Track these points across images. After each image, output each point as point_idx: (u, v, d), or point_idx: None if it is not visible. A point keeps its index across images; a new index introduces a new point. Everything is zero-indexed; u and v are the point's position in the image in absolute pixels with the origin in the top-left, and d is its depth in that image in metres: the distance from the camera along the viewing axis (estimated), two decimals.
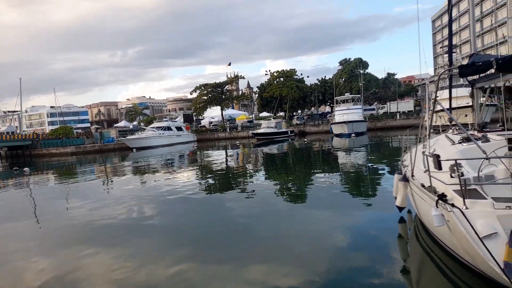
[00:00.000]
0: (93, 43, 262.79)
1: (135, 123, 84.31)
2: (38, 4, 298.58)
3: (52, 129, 66.78)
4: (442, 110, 7.65)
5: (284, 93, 62.04)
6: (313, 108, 77.32)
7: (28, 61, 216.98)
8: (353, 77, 63.71)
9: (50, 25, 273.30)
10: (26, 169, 27.54)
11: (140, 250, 7.70)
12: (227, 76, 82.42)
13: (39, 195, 17.33)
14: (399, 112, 54.06)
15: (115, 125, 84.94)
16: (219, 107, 65.44)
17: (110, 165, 31.15)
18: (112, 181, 20.24)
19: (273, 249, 7.08)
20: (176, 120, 66.27)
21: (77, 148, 51.20)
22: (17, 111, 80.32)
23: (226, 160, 27.91)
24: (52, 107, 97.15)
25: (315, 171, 18.81)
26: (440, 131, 10.77)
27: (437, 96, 6.76)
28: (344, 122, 40.77)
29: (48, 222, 11.25)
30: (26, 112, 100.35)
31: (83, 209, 12.30)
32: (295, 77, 66.60)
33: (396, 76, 71.25)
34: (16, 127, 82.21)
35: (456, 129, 8.76)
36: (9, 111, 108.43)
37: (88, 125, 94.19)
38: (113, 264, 6.93)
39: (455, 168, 4.73)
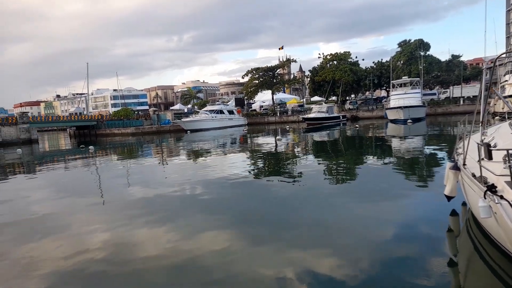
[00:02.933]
0: (150, 29, 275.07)
1: (189, 106, 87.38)
2: None
3: (114, 111, 71.51)
4: (510, 96, 7.08)
5: (337, 76, 60.27)
6: (367, 93, 74.38)
7: (93, 47, 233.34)
8: (412, 60, 60.02)
9: (111, 13, 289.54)
10: (91, 147, 30.00)
11: (190, 224, 8.27)
12: (279, 59, 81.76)
13: (102, 172, 18.88)
14: (463, 97, 50.02)
15: (171, 108, 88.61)
16: (270, 91, 65.45)
17: (166, 146, 32.85)
18: (168, 161, 21.45)
19: (317, 233, 7.15)
20: (228, 103, 67.57)
21: (137, 129, 54.50)
22: (84, 94, 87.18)
23: (276, 144, 28.10)
24: (114, 90, 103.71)
25: (366, 157, 18.31)
26: (506, 117, 9.96)
27: (505, 81, 6.26)
28: (400, 107, 38.62)
29: (109, 197, 12.26)
30: (92, 94, 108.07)
31: (141, 186, 13.27)
32: (349, 60, 64.32)
33: (461, 58, 65.76)
34: (84, 108, 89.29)
35: None
36: (77, 94, 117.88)
37: (146, 107, 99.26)
38: (164, 235, 7.59)
39: (507, 158, 4.41)
